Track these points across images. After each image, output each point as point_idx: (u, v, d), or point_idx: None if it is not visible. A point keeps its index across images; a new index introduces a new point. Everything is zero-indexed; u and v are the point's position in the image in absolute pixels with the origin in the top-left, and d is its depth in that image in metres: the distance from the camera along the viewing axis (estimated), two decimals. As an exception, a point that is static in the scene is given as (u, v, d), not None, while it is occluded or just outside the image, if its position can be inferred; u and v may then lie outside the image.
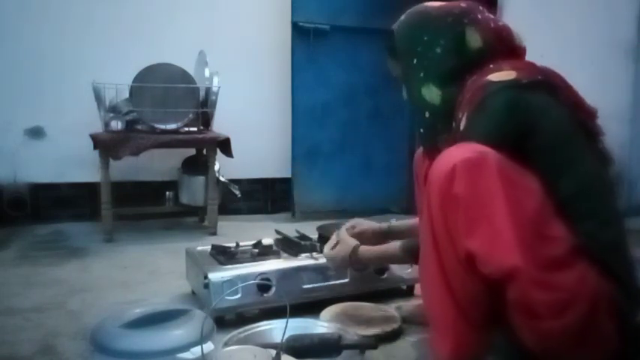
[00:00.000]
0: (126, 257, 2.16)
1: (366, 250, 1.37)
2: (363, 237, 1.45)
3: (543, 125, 0.98)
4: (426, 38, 1.15)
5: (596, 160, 1.01)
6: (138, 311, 1.18)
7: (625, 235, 0.99)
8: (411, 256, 1.26)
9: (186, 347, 1.06)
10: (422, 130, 1.20)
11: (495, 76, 1.03)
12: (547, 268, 0.89)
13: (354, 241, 1.40)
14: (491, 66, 1.07)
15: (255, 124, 3.00)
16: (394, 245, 1.32)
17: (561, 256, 0.90)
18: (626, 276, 0.95)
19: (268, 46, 3.01)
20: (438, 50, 1.13)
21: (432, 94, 1.14)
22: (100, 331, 1.11)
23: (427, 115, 1.16)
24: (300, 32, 2.79)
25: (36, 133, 2.70)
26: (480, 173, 0.89)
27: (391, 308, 1.51)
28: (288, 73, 2.84)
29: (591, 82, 2.14)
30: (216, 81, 2.52)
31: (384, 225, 1.49)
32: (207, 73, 2.50)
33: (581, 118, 1.02)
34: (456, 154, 0.92)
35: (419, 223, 1.10)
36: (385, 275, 1.62)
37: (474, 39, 1.11)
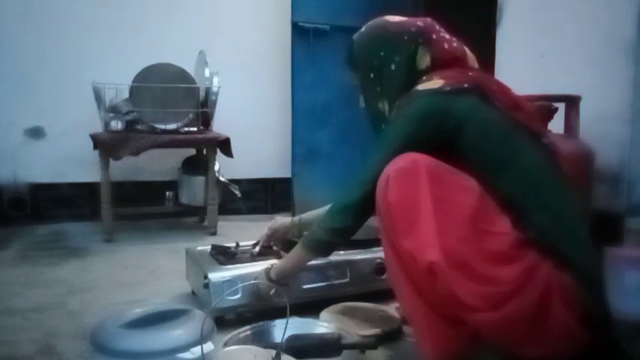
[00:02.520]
0: (126, 257, 2.16)
1: (277, 265, 1.37)
2: (280, 237, 1.59)
3: (469, 128, 1.03)
4: (382, 54, 1.20)
5: (538, 157, 1.03)
6: (138, 311, 1.18)
7: (584, 227, 1.02)
8: (313, 250, 1.26)
9: (186, 347, 1.06)
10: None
11: (422, 86, 1.09)
12: (485, 262, 0.92)
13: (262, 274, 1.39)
14: (424, 78, 1.13)
15: (255, 124, 3.01)
16: (297, 247, 1.31)
17: (504, 251, 0.93)
18: (585, 267, 0.97)
19: (268, 46, 3.01)
20: (393, 67, 1.18)
21: (384, 108, 1.21)
22: (100, 331, 1.11)
23: (383, 127, 1.21)
24: (300, 32, 2.79)
25: (36, 133, 2.70)
26: (408, 180, 0.96)
27: (391, 308, 1.51)
28: (288, 73, 2.84)
29: (591, 82, 2.14)
30: (216, 81, 2.52)
31: (295, 219, 1.59)
32: (207, 73, 2.50)
33: (518, 118, 1.05)
34: (391, 165, 0.99)
35: None
36: (385, 275, 1.62)
37: (424, 60, 1.16)
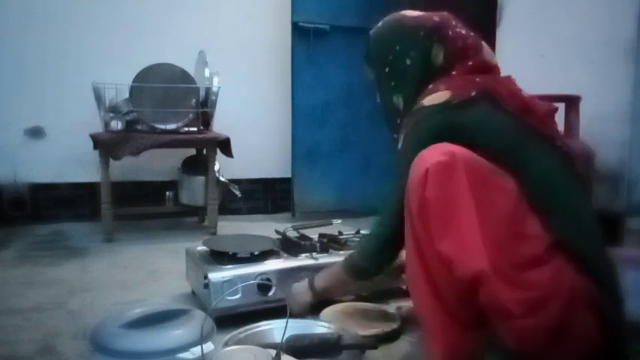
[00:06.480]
0: (126, 257, 2.16)
1: (319, 278, 1.37)
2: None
3: (482, 138, 1.01)
4: (397, 48, 1.19)
5: (550, 160, 1.01)
6: (138, 311, 1.18)
7: (598, 231, 1.00)
8: (352, 275, 1.27)
9: (186, 347, 1.06)
10: (395, 136, 1.22)
11: (428, 100, 1.07)
12: (521, 266, 0.90)
13: (305, 281, 1.40)
14: (430, 87, 1.11)
15: (255, 124, 3.01)
16: (337, 267, 1.31)
17: (537, 254, 0.91)
18: (603, 273, 0.96)
19: (268, 46, 3.01)
20: (408, 62, 1.17)
21: (399, 103, 1.20)
22: (100, 331, 1.11)
23: (398, 122, 1.20)
24: (300, 32, 2.80)
25: (36, 133, 2.70)
26: (449, 176, 0.92)
27: (391, 308, 1.51)
28: (288, 73, 2.84)
29: (591, 82, 2.14)
30: (216, 81, 2.52)
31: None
32: (207, 73, 2.50)
33: (530, 122, 1.03)
34: (429, 157, 0.95)
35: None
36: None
37: (437, 56, 1.15)
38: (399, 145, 1.11)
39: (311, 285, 1.37)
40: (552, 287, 0.90)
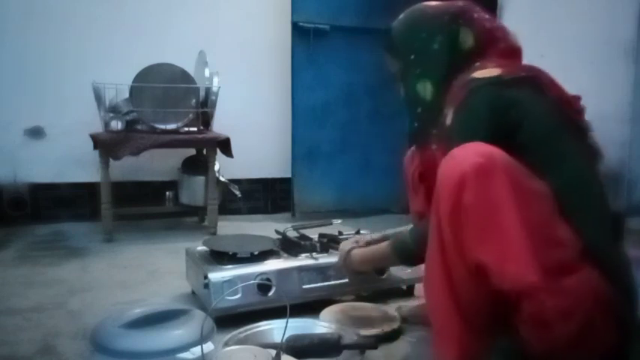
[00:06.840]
0: (126, 257, 2.16)
1: (358, 252, 1.38)
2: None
3: (529, 120, 0.98)
4: (423, 35, 1.16)
5: (583, 156, 1.00)
6: (138, 311, 1.18)
7: (616, 232, 0.98)
8: (399, 256, 1.26)
9: (186, 347, 1.06)
10: (415, 125, 1.21)
11: (479, 74, 1.04)
12: (557, 273, 0.86)
13: (349, 246, 1.41)
14: (477, 64, 1.08)
15: (255, 124, 3.01)
16: (384, 245, 1.30)
17: (570, 261, 0.88)
18: (620, 274, 0.95)
19: (268, 47, 3.01)
20: (435, 47, 1.15)
21: (425, 90, 1.16)
22: (100, 331, 1.11)
23: (420, 110, 1.18)
24: (300, 32, 2.80)
25: (36, 133, 2.70)
26: (489, 180, 0.86)
27: (391, 308, 1.51)
28: (288, 73, 2.84)
29: (591, 82, 2.14)
30: (216, 81, 2.52)
31: (377, 235, 1.45)
32: (207, 73, 2.50)
33: (568, 113, 1.02)
34: (464, 158, 0.88)
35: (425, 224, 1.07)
36: (385, 275, 1.62)
37: (467, 39, 1.13)
38: (448, 121, 1.04)
39: (347, 257, 1.39)
40: (582, 292, 0.87)
